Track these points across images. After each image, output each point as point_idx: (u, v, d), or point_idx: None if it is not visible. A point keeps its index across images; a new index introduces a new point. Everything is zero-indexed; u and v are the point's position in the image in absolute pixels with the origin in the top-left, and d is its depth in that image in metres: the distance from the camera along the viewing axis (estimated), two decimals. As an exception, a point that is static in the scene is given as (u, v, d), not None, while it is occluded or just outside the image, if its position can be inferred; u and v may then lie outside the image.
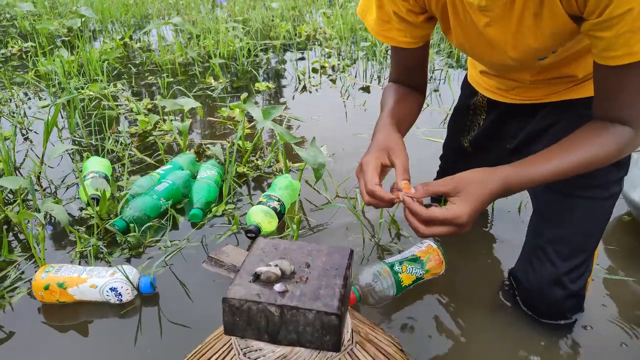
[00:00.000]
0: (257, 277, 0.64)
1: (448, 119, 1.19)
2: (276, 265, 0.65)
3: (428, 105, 2.13)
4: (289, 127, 1.98)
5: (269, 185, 1.40)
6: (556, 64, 0.84)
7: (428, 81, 1.11)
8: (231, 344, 0.68)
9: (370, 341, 0.72)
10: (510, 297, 0.99)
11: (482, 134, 1.08)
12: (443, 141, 1.24)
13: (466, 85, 1.10)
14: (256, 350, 0.64)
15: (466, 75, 1.11)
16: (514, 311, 0.97)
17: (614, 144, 0.71)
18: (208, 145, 1.75)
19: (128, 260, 1.14)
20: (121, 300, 0.97)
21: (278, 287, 0.62)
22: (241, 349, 0.65)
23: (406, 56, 0.90)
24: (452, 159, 1.23)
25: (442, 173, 1.28)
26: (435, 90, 2.34)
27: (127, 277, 0.97)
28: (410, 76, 0.93)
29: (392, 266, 0.98)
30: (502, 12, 0.71)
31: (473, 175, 0.70)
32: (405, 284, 0.98)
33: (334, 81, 2.57)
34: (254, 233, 1.15)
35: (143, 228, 1.21)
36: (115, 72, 2.83)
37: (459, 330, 0.93)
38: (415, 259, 1.00)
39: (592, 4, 0.62)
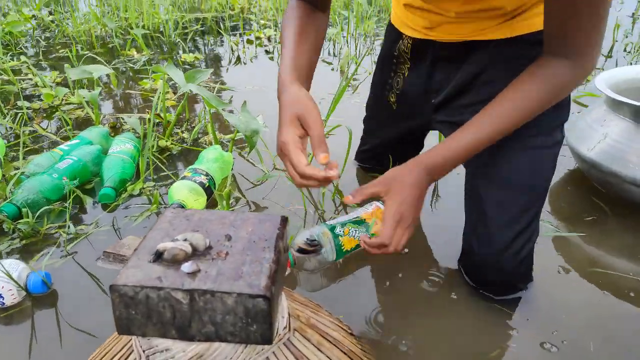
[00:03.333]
0: (159, 256, 0.48)
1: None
2: (185, 240, 0.50)
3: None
4: (221, 98, 1.79)
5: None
6: None
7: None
8: (131, 345, 0.52)
9: (312, 326, 0.59)
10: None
11: (408, 87, 0.96)
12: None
13: (390, 30, 0.98)
14: (162, 351, 0.48)
15: (390, 18, 0.99)
16: (469, 287, 0.87)
17: (557, 76, 0.67)
18: (125, 119, 1.54)
19: (20, 253, 0.94)
20: (3, 304, 0.78)
21: (187, 267, 0.47)
22: (143, 351, 0.49)
23: None
24: (376, 120, 1.11)
25: (366, 138, 1.16)
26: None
27: (9, 275, 0.77)
28: None
29: (332, 229, 0.86)
30: None
31: (397, 171, 0.73)
32: (346, 248, 0.86)
33: (270, 52, 2.40)
34: (176, 211, 0.97)
35: (39, 212, 1.00)
36: (20, 45, 2.49)
37: (416, 309, 0.83)
38: (360, 222, 0.88)
39: None
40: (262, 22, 2.99)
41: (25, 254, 0.94)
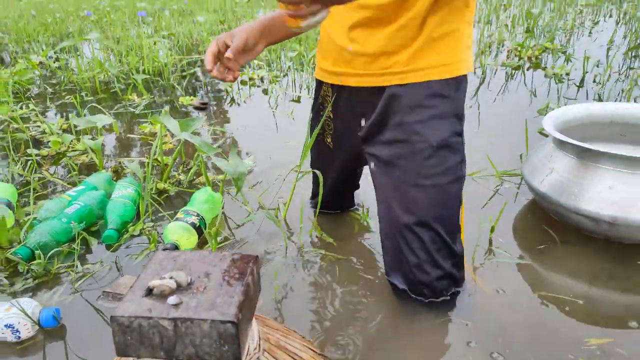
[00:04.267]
0: (149, 292, 0.60)
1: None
2: (171, 278, 0.62)
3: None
4: (215, 140, 1.94)
5: (191, 199, 1.35)
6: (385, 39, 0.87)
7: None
8: (129, 366, 0.63)
9: (281, 347, 0.70)
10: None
11: (338, 126, 1.08)
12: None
13: (316, 84, 1.11)
14: (153, 370, 0.60)
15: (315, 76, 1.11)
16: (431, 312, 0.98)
17: None
18: (126, 164, 1.67)
19: (33, 292, 1.06)
20: (19, 337, 0.89)
21: (172, 299, 0.59)
22: (138, 371, 0.61)
23: None
24: (320, 160, 1.20)
25: (316, 182, 1.26)
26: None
27: (24, 312, 0.88)
28: None
29: None
30: None
31: None
32: None
33: (265, 92, 2.56)
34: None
35: (50, 254, 1.12)
36: (28, 93, 2.66)
37: (385, 326, 0.93)
38: None
39: None
40: (255, 62, 3.18)
41: (38, 292, 1.05)
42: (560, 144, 1.14)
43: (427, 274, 0.92)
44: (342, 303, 1.00)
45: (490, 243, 1.16)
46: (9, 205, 1.29)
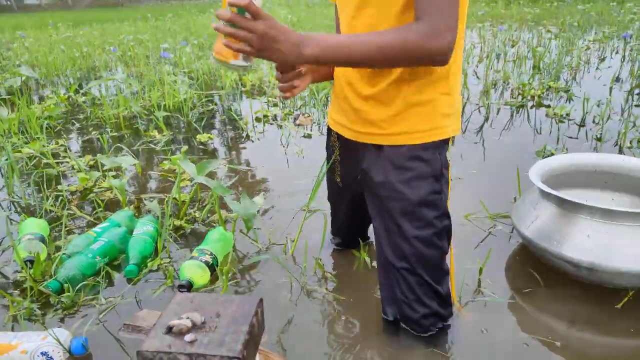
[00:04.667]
0: (169, 330, 0.71)
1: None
2: (187, 318, 0.73)
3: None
4: (230, 177, 2.07)
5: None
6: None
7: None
8: (150, 394, 0.74)
9: (280, 380, 0.80)
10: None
11: (343, 168, 1.20)
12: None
13: (328, 128, 1.23)
14: (170, 398, 0.70)
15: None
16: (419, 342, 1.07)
17: (411, 30, 0.81)
18: (146, 203, 1.81)
19: (62, 321, 1.17)
20: (53, 363, 1.00)
21: (188, 337, 0.70)
22: (158, 398, 0.71)
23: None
24: (333, 197, 1.34)
25: (334, 213, 1.38)
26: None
27: (58, 340, 1.00)
28: None
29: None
30: None
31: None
32: None
33: (280, 126, 2.70)
34: (186, 288, 1.21)
35: (77, 287, 1.24)
36: (58, 128, 2.85)
37: (378, 358, 1.02)
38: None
39: None
40: (270, 99, 3.34)
41: (66, 322, 1.17)
42: (544, 193, 1.24)
43: (415, 311, 1.03)
44: (340, 338, 1.09)
45: (479, 284, 1.25)
46: (42, 239, 1.43)
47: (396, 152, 0.99)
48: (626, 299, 1.15)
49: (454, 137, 1.25)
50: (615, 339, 1.07)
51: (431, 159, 0.98)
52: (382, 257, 1.07)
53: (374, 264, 1.34)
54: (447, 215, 1.02)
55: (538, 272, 1.27)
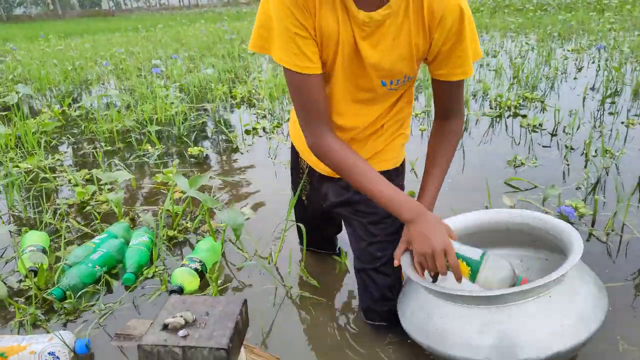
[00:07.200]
0: (165, 327, 0.83)
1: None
2: (181, 316, 0.84)
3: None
4: (221, 189, 2.18)
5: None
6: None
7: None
8: (148, 383, 0.85)
9: (263, 371, 0.91)
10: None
11: (311, 192, 1.34)
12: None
13: (292, 146, 1.34)
14: (167, 386, 0.81)
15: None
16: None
17: (455, 134, 1.12)
18: (141, 215, 1.92)
19: (65, 325, 1.28)
20: (59, 362, 1.11)
21: (182, 332, 0.81)
22: (156, 387, 0.82)
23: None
24: (299, 213, 1.48)
25: (307, 230, 1.46)
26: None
27: (63, 341, 1.11)
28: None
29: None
30: (374, 29, 0.95)
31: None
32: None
33: (270, 138, 2.82)
34: (178, 293, 1.32)
35: (79, 294, 1.35)
36: (53, 143, 2.95)
37: (350, 346, 1.14)
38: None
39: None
40: (259, 112, 3.46)
41: (68, 326, 1.27)
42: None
43: (381, 307, 1.17)
44: (320, 334, 1.21)
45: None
46: (43, 251, 1.53)
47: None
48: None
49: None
50: None
51: (395, 180, 1.16)
52: (356, 261, 1.20)
53: (352, 268, 1.46)
54: None
55: None
